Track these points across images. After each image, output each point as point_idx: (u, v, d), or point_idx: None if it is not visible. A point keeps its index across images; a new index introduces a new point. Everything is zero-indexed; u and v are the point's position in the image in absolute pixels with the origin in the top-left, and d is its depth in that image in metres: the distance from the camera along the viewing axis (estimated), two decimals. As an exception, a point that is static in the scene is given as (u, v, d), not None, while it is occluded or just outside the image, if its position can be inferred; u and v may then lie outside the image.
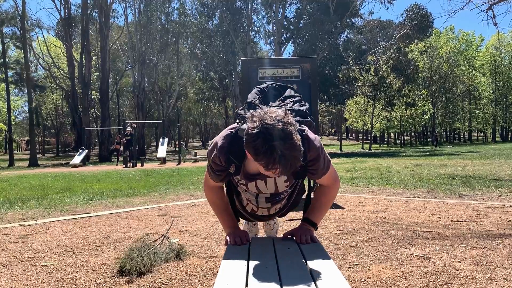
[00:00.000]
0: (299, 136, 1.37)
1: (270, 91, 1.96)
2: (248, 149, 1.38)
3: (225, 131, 1.64)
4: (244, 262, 1.43)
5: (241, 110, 1.75)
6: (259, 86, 1.97)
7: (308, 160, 1.59)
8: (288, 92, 1.93)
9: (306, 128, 1.62)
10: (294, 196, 1.89)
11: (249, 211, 1.89)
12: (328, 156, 1.67)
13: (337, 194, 1.85)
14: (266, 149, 1.32)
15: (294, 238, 1.72)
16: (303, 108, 1.78)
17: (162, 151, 20.07)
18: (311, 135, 1.61)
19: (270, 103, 1.86)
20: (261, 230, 2.58)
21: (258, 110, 1.43)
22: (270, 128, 1.32)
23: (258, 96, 1.88)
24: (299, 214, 2.00)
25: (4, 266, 2.72)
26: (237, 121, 1.71)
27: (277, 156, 1.32)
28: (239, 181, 1.73)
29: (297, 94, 1.91)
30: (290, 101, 1.83)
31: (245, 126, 1.53)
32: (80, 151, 21.13)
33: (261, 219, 2.00)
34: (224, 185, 1.86)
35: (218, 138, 1.63)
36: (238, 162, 1.59)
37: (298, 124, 1.49)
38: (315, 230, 1.77)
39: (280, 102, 1.86)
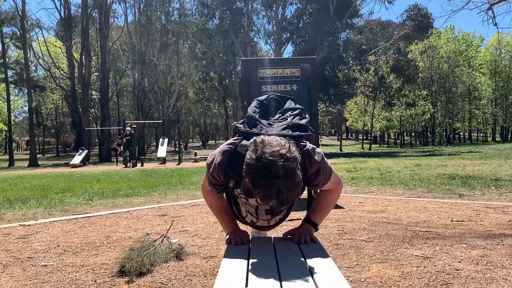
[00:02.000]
0: (300, 175, 1.35)
1: (270, 103, 1.94)
2: (246, 178, 1.37)
3: (223, 146, 1.62)
4: (244, 262, 1.43)
5: (240, 124, 1.73)
6: (258, 98, 1.95)
7: (309, 175, 1.58)
8: (289, 103, 1.92)
9: (307, 143, 1.61)
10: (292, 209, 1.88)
11: (248, 222, 1.87)
12: (330, 166, 1.66)
13: (339, 196, 1.84)
14: (264, 183, 1.31)
15: (294, 238, 1.72)
16: (303, 121, 1.75)
17: (162, 151, 20.07)
18: (312, 150, 1.59)
19: (270, 117, 1.84)
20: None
21: (260, 139, 1.40)
22: (271, 165, 1.30)
23: (257, 110, 1.86)
24: (299, 214, 2.00)
25: (4, 266, 2.72)
26: (237, 135, 1.69)
27: (275, 192, 1.31)
28: (239, 194, 1.71)
29: (297, 106, 1.89)
30: (290, 114, 1.82)
31: (244, 142, 1.53)
32: (80, 151, 21.15)
33: (260, 229, 1.99)
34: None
35: (217, 154, 1.61)
36: (238, 178, 1.56)
37: (298, 148, 1.46)
38: (316, 231, 1.77)
39: (280, 115, 1.84)
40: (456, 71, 47.99)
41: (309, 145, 1.60)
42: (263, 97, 1.97)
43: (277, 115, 1.85)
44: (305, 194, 1.90)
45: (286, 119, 1.78)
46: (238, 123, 1.75)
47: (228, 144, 1.62)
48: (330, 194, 1.78)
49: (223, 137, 62.64)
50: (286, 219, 1.94)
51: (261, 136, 1.44)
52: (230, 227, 1.82)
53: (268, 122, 1.75)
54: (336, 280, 1.23)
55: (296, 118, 1.77)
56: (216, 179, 1.62)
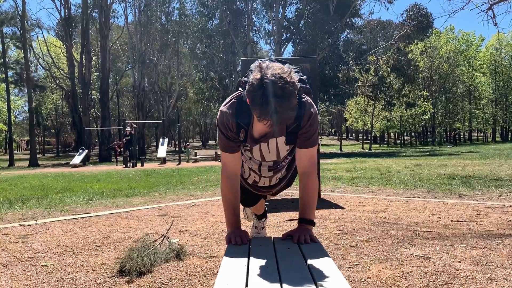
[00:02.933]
0: (296, 98, 1.45)
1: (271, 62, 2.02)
2: (247, 95, 1.48)
3: (230, 98, 1.70)
4: (244, 262, 1.43)
5: (244, 78, 1.79)
6: (261, 59, 2.02)
7: (302, 123, 1.66)
8: (287, 66, 1.98)
9: (306, 96, 1.69)
10: (291, 172, 1.97)
11: (250, 182, 1.95)
12: (318, 132, 1.76)
13: (317, 181, 1.86)
14: (262, 102, 1.40)
15: (293, 238, 1.72)
16: (304, 77, 1.85)
17: (162, 151, 20.08)
18: (309, 101, 1.68)
19: None
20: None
21: (265, 61, 1.49)
22: (271, 84, 1.39)
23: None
24: (297, 215, 1.99)
25: (4, 266, 2.72)
26: (240, 89, 1.76)
27: (271, 111, 1.41)
28: (244, 147, 1.79)
29: (295, 67, 1.96)
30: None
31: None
32: (80, 151, 21.15)
33: (262, 191, 2.05)
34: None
35: (225, 108, 1.68)
36: (246, 126, 1.67)
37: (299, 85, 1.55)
38: (313, 226, 1.77)
39: None
40: (456, 71, 48.01)
41: (308, 98, 1.70)
42: (265, 59, 2.04)
43: None
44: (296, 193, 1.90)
45: None
46: (242, 78, 1.82)
47: (234, 96, 1.70)
48: (308, 182, 1.78)
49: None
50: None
51: (266, 61, 1.52)
52: (232, 226, 1.82)
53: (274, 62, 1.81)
54: (336, 280, 1.23)
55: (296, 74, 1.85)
56: (229, 129, 1.68)
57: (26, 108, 37.33)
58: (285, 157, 1.84)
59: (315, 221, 1.81)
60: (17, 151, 57.07)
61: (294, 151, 1.83)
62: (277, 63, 1.53)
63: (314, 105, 1.71)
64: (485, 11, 8.53)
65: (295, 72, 1.86)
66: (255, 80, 1.43)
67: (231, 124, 1.67)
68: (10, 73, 29.78)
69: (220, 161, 2.21)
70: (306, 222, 1.76)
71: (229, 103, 1.68)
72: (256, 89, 1.42)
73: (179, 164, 17.77)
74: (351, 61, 33.00)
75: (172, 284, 2.29)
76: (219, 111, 1.72)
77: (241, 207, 2.04)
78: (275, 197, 2.78)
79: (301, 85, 1.72)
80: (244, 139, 1.72)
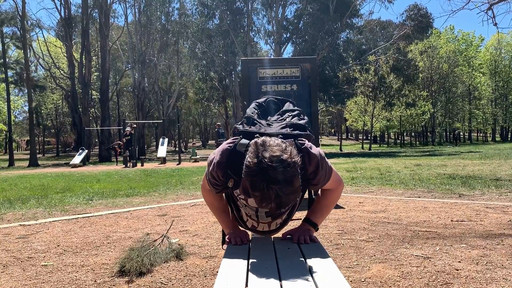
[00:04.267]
0: (299, 178, 1.35)
1: (268, 105, 1.94)
2: (245, 180, 1.37)
3: (223, 145, 1.62)
4: (244, 262, 1.43)
5: (239, 125, 1.73)
6: (257, 101, 1.95)
7: (309, 173, 1.57)
8: (287, 106, 1.92)
9: (305, 141, 1.61)
10: (293, 214, 1.87)
11: (249, 226, 1.86)
12: (330, 164, 1.65)
13: (340, 196, 1.84)
14: (263, 187, 1.31)
15: (293, 238, 1.72)
16: (302, 122, 1.75)
17: (162, 151, 20.06)
18: (311, 148, 1.59)
19: (269, 117, 1.85)
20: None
21: (261, 140, 1.38)
22: (270, 170, 1.29)
23: (256, 111, 1.85)
24: (299, 214, 2.00)
25: (4, 266, 2.72)
26: (236, 135, 1.69)
27: (273, 196, 1.32)
28: (238, 195, 1.71)
29: (295, 108, 1.89)
30: (289, 115, 1.81)
31: (244, 141, 1.53)
32: (80, 151, 21.13)
33: (262, 235, 1.96)
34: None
35: (217, 153, 1.61)
36: (237, 177, 1.54)
37: (297, 148, 1.46)
38: (316, 231, 1.77)
39: (279, 116, 1.84)
40: (456, 71, 48.00)
41: (308, 143, 1.60)
42: (261, 100, 1.97)
43: (276, 116, 1.85)
44: (306, 194, 1.90)
45: (285, 120, 1.78)
46: (237, 124, 1.75)
47: (227, 144, 1.62)
48: (330, 194, 1.77)
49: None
50: (287, 224, 1.93)
51: (262, 137, 1.42)
52: (230, 227, 1.82)
53: (267, 122, 1.75)
54: (336, 280, 1.23)
55: (294, 119, 1.77)
56: (215, 178, 1.62)
57: (26, 108, 37.36)
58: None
59: (319, 227, 1.80)
60: (17, 151, 57.07)
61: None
62: (274, 140, 1.39)
63: (315, 148, 1.60)
64: (485, 11, 8.52)
65: (296, 116, 1.78)
66: (252, 164, 1.32)
67: (216, 173, 1.59)
68: (10, 73, 29.75)
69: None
70: (310, 223, 1.75)
71: (222, 150, 1.60)
72: (254, 174, 1.31)
73: (179, 164, 17.77)
74: (351, 61, 32.98)
75: (172, 284, 2.29)
76: (213, 152, 1.65)
77: None
78: None
79: (301, 132, 1.66)
80: (234, 186, 1.62)
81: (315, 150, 1.59)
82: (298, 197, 1.42)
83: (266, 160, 1.30)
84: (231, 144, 1.60)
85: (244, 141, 1.54)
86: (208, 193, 1.81)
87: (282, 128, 1.67)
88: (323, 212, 1.80)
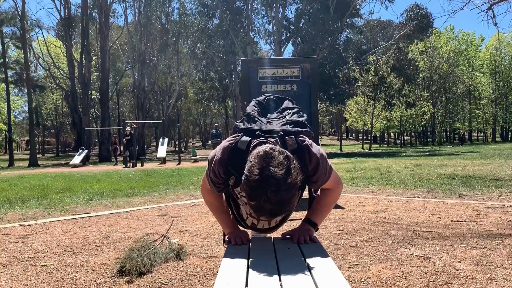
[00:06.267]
0: (298, 196, 1.37)
1: (268, 103, 1.95)
2: (245, 187, 1.37)
3: (224, 143, 1.62)
4: (244, 262, 1.43)
5: (240, 122, 1.74)
6: (257, 99, 1.96)
7: (309, 170, 1.57)
8: (286, 103, 1.93)
9: (306, 138, 1.61)
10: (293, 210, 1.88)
11: (249, 224, 1.86)
12: (330, 163, 1.65)
13: (339, 196, 1.84)
14: (259, 201, 1.32)
15: (293, 238, 1.72)
16: (301, 119, 1.76)
17: (162, 151, 20.06)
18: (311, 145, 1.59)
19: (269, 115, 1.86)
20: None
21: (263, 152, 1.36)
22: (270, 191, 1.29)
23: (256, 109, 1.86)
24: (299, 214, 2.00)
25: (4, 266, 2.72)
26: (236, 133, 1.69)
27: (268, 210, 1.34)
28: (239, 193, 1.71)
29: (295, 106, 1.90)
30: (288, 112, 1.82)
31: (244, 138, 1.55)
32: (80, 151, 21.13)
33: (262, 232, 1.97)
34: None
35: (218, 150, 1.61)
36: (238, 174, 1.52)
37: (297, 138, 1.49)
38: (316, 231, 1.77)
39: (279, 114, 1.85)
40: (456, 71, 48.02)
41: (309, 140, 1.61)
42: (261, 98, 1.98)
43: (275, 114, 1.86)
44: (305, 194, 1.90)
45: (285, 117, 1.79)
46: (237, 122, 1.76)
47: (228, 141, 1.62)
48: (330, 194, 1.77)
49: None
50: (287, 220, 1.93)
51: (266, 148, 1.39)
52: (229, 227, 1.82)
53: (267, 120, 1.75)
54: (336, 280, 1.23)
55: (294, 116, 1.78)
56: (217, 175, 1.62)
57: (26, 108, 37.38)
58: None
59: (319, 227, 1.80)
60: (17, 151, 57.06)
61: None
62: (279, 155, 1.35)
63: (315, 145, 1.61)
64: (485, 11, 8.52)
65: (296, 113, 1.79)
66: (254, 177, 1.31)
67: (218, 170, 1.59)
68: (10, 73, 29.73)
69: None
70: (310, 223, 1.75)
71: (222, 148, 1.60)
72: (254, 188, 1.32)
73: (179, 164, 17.77)
74: (351, 61, 32.97)
75: (172, 284, 2.29)
76: (214, 150, 1.65)
77: None
78: None
79: (301, 129, 1.66)
80: (235, 184, 1.62)
81: (315, 147, 1.60)
82: (294, 206, 1.42)
83: (268, 177, 1.30)
84: (232, 142, 1.60)
85: (245, 138, 1.55)
86: (208, 193, 1.81)
87: (283, 125, 1.68)
88: (323, 212, 1.80)
